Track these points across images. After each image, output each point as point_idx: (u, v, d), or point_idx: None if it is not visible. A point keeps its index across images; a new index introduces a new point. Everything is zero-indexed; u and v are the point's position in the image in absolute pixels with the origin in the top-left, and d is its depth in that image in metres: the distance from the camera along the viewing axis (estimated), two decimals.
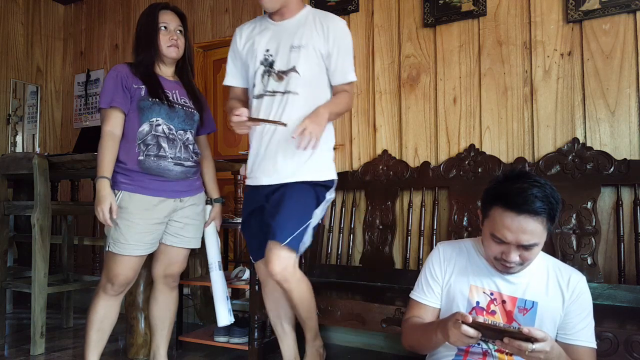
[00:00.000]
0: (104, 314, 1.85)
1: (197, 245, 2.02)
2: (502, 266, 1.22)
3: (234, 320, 2.07)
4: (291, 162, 1.72)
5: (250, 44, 1.80)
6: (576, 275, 1.28)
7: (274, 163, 1.73)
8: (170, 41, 1.88)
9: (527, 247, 1.16)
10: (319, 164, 1.76)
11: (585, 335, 1.24)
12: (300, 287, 1.72)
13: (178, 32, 1.91)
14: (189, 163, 1.90)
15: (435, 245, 1.44)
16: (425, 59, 2.53)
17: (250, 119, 1.66)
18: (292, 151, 1.70)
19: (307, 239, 1.72)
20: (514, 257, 1.18)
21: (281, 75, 1.72)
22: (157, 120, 1.81)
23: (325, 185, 1.78)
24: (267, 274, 1.79)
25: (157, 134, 1.81)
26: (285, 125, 1.64)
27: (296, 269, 1.70)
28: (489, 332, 1.05)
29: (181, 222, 1.92)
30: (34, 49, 4.28)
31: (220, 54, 3.92)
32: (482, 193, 1.27)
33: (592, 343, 1.24)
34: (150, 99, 1.81)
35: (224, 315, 2.02)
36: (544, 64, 2.24)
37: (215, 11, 3.73)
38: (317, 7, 2.79)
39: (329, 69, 1.77)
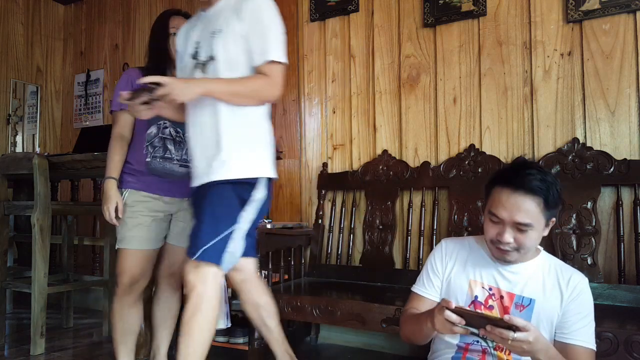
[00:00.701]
0: (119, 316, 1.89)
1: None
2: (498, 250, 1.24)
3: (230, 324, 2.08)
4: (209, 159, 1.54)
5: (186, 42, 1.71)
6: (577, 276, 1.28)
7: (197, 162, 1.59)
8: None
9: (521, 228, 1.18)
10: (239, 162, 1.53)
11: (583, 336, 1.22)
12: (201, 307, 1.45)
13: None
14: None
15: (439, 242, 1.46)
16: (425, 59, 2.53)
17: (131, 94, 1.46)
18: (210, 148, 1.53)
19: (236, 248, 1.50)
20: (508, 237, 1.19)
21: (204, 65, 1.58)
22: (164, 123, 1.85)
23: (248, 183, 1.54)
24: (237, 282, 1.75)
25: (164, 136, 1.85)
26: (159, 85, 1.42)
27: (211, 286, 1.45)
28: (473, 320, 1.06)
29: (185, 222, 1.94)
30: (34, 49, 4.28)
31: None
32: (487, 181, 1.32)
33: (591, 344, 1.23)
34: None
35: (220, 319, 2.03)
36: (544, 64, 2.24)
37: None
38: (317, 7, 2.81)
39: (249, 51, 1.54)
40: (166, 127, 1.86)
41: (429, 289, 1.38)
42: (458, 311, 1.07)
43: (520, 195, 1.17)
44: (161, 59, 1.92)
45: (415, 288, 1.42)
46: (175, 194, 1.89)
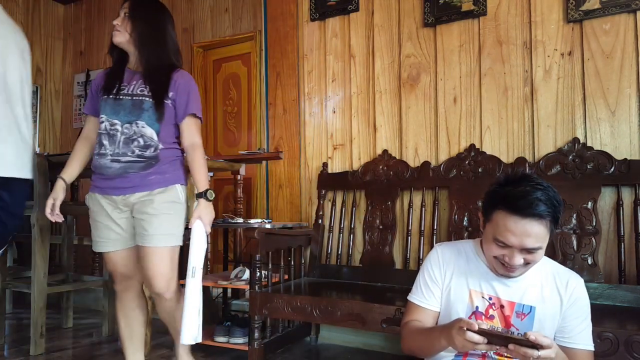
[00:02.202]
0: (121, 314, 1.90)
1: (163, 243, 1.76)
2: (503, 268, 1.21)
3: (200, 340, 1.75)
4: None
5: None
6: (574, 279, 1.27)
7: None
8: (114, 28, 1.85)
9: (530, 251, 1.15)
10: None
11: (583, 338, 1.23)
12: None
13: (123, 15, 1.83)
14: (128, 158, 1.75)
15: (433, 248, 1.42)
16: (425, 58, 2.52)
17: None
18: None
19: None
20: (518, 260, 1.16)
21: None
22: (102, 118, 1.80)
23: None
24: None
25: (100, 131, 1.80)
26: None
27: None
28: (494, 339, 1.04)
29: (140, 218, 1.77)
30: (34, 49, 4.28)
31: (220, 53, 3.91)
32: (484, 196, 1.26)
33: (590, 345, 1.24)
34: (101, 97, 1.82)
35: (191, 333, 1.72)
36: (544, 64, 2.24)
37: (215, 11, 3.73)
38: (317, 7, 2.81)
39: None
40: (102, 122, 1.78)
41: (429, 299, 1.34)
42: (480, 331, 1.04)
43: (529, 222, 1.12)
44: (119, 55, 1.88)
45: (414, 298, 1.37)
46: (112, 192, 1.77)
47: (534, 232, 1.12)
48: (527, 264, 1.18)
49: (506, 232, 1.14)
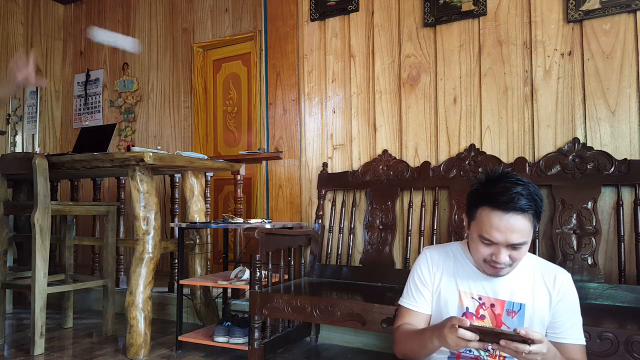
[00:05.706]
0: None
1: None
2: (492, 268, 1.22)
3: None
4: None
5: None
6: (561, 274, 1.28)
7: None
8: None
9: (515, 246, 1.17)
10: None
11: (574, 333, 1.24)
12: None
13: None
14: None
15: (422, 251, 1.43)
16: (425, 58, 2.52)
17: None
18: None
19: None
20: (504, 257, 1.18)
21: None
22: None
23: None
24: None
25: None
26: None
27: None
28: (486, 335, 1.06)
29: None
30: (34, 49, 4.28)
31: (220, 53, 3.92)
32: (466, 196, 1.27)
33: (582, 339, 1.25)
34: None
35: None
36: (544, 64, 2.24)
37: (215, 11, 3.73)
38: (317, 7, 2.81)
39: None
40: None
41: (419, 302, 1.35)
42: (472, 328, 1.05)
43: (512, 217, 1.14)
44: None
45: (405, 302, 1.38)
46: None
47: (518, 226, 1.14)
48: (512, 261, 1.20)
49: (491, 228, 1.17)
